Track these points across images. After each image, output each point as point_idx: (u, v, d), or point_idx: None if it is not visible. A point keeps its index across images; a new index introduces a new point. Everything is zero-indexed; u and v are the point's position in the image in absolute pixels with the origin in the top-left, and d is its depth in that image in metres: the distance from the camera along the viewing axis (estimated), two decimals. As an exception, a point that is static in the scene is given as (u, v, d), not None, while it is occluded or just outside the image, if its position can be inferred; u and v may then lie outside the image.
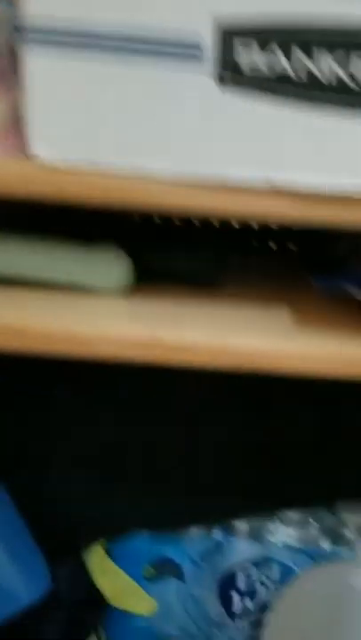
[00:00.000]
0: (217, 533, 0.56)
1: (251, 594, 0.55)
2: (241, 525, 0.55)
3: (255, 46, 0.28)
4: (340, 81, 0.28)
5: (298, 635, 0.45)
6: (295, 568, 0.54)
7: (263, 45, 0.28)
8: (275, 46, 0.28)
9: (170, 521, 0.54)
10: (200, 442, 0.49)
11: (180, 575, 0.57)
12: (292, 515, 0.56)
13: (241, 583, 0.55)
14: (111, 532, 0.55)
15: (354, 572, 0.44)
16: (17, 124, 0.30)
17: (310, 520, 0.56)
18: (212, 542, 0.56)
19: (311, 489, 0.52)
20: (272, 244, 0.44)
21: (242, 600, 0.55)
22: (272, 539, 0.56)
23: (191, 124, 0.29)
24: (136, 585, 0.55)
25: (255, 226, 0.43)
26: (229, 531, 0.55)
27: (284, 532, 0.56)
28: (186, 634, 0.58)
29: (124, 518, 0.54)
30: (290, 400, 0.50)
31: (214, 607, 0.56)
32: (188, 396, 0.49)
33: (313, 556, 0.54)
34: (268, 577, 0.55)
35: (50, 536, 0.55)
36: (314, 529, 0.56)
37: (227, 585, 0.55)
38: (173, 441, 0.49)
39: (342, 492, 0.52)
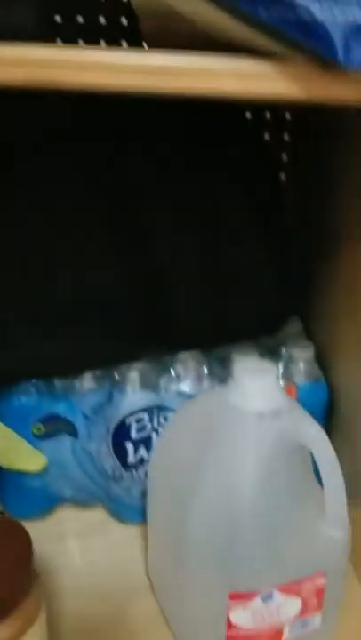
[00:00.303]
0: (108, 384, 0.54)
1: (145, 442, 0.53)
2: (132, 374, 0.53)
3: None
4: None
5: (178, 458, 0.43)
6: (189, 414, 0.53)
7: None
8: None
9: (58, 368, 0.51)
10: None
11: (72, 431, 0.55)
12: (184, 361, 0.54)
13: (134, 433, 0.53)
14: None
15: (228, 389, 0.42)
16: None
17: (203, 367, 0.55)
18: (103, 394, 0.54)
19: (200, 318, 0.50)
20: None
21: (136, 450, 0.53)
22: (164, 387, 0.54)
23: None
24: (24, 442, 0.53)
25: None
26: (120, 381, 0.53)
27: (176, 380, 0.54)
28: (82, 490, 0.56)
29: (7, 370, 0.50)
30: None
31: (109, 460, 0.54)
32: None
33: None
34: (161, 425, 0.53)
35: None
36: (206, 375, 0.54)
37: (120, 436, 0.53)
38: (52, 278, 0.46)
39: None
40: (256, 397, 0.41)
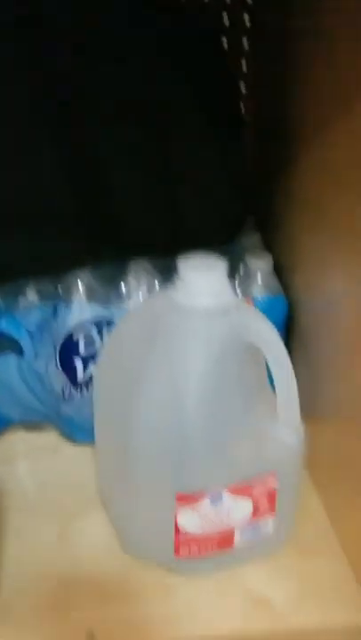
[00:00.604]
0: (52, 299, 0.51)
1: (95, 358, 0.51)
2: (77, 286, 0.50)
3: None
4: None
5: (123, 363, 0.41)
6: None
7: None
8: None
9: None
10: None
11: (17, 350, 0.52)
12: (135, 274, 0.51)
13: (83, 349, 0.51)
14: None
15: (174, 288, 0.40)
16: None
17: (154, 280, 0.52)
18: (48, 310, 0.51)
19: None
20: None
21: (85, 367, 0.51)
22: (113, 301, 0.51)
23: None
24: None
25: None
26: (65, 294, 0.51)
27: (126, 294, 0.52)
28: (31, 411, 0.54)
29: None
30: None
31: (58, 379, 0.52)
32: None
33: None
34: (111, 339, 0.51)
35: None
36: (157, 290, 0.52)
37: (68, 352, 0.51)
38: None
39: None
40: (203, 294, 0.39)
